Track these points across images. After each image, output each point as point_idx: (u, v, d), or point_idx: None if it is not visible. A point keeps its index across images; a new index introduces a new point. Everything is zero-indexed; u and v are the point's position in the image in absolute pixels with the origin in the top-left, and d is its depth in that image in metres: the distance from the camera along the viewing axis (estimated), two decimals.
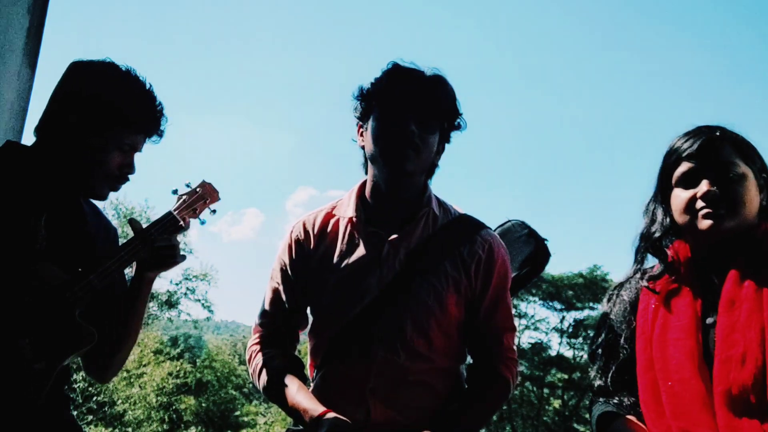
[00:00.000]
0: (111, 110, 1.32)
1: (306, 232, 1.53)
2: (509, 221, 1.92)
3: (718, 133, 1.22)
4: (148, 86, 1.39)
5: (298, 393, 1.38)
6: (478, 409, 1.40)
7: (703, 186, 1.18)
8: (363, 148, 1.49)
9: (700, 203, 1.19)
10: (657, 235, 1.28)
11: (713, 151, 1.20)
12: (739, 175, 1.19)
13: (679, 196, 1.23)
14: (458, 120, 1.49)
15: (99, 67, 1.36)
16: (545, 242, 1.87)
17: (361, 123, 1.49)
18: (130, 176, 1.39)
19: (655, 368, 1.18)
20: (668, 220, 1.28)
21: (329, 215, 1.54)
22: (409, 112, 1.38)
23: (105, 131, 1.32)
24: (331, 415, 1.29)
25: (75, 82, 1.35)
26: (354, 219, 1.48)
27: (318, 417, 1.29)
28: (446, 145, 1.52)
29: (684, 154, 1.23)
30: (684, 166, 1.23)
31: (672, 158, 1.25)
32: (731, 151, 1.20)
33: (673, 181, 1.25)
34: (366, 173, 1.52)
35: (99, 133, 1.31)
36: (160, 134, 1.44)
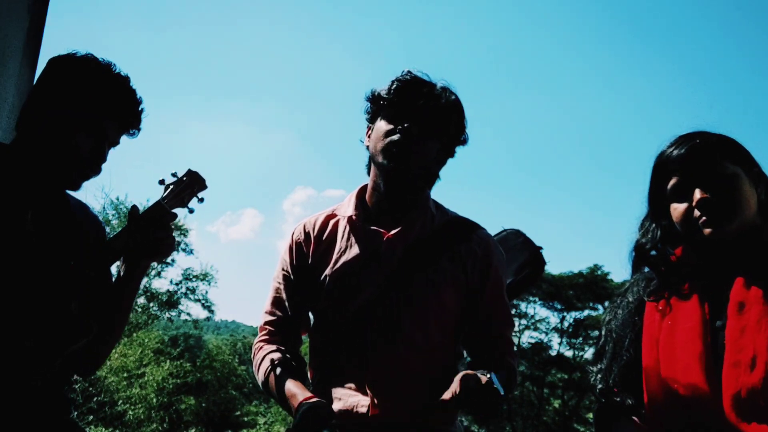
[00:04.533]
0: (83, 95, 1.32)
1: (306, 233, 1.57)
2: (505, 230, 1.96)
3: (698, 140, 1.21)
4: (125, 78, 1.38)
5: (288, 382, 1.40)
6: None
7: (696, 195, 1.18)
8: (368, 148, 1.54)
9: (696, 212, 1.18)
10: (648, 246, 1.29)
11: (698, 159, 1.20)
12: (730, 176, 1.18)
13: (677, 209, 1.23)
14: (462, 135, 1.54)
15: (75, 59, 1.36)
16: (540, 250, 1.90)
17: (370, 125, 1.55)
18: (101, 166, 1.37)
19: (661, 370, 1.17)
20: (659, 232, 1.28)
21: (330, 217, 1.58)
22: (412, 116, 1.43)
23: (77, 116, 1.31)
24: (312, 400, 1.30)
25: (51, 74, 1.36)
26: (353, 217, 1.51)
27: (299, 403, 1.31)
28: (449, 159, 1.56)
29: (671, 168, 1.23)
30: (673, 180, 1.23)
31: (660, 174, 1.26)
32: (716, 154, 1.20)
33: (668, 194, 1.25)
34: (369, 174, 1.56)
35: (71, 117, 1.31)
36: (137, 127, 1.43)
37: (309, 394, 1.34)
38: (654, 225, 1.30)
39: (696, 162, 1.20)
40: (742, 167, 1.20)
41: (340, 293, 1.45)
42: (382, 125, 1.47)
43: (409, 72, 1.50)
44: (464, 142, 1.56)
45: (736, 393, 1.06)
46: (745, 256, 1.17)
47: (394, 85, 1.48)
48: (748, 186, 1.19)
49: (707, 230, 1.17)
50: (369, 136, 1.54)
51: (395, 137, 1.42)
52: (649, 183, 1.30)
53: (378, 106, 1.51)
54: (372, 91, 1.53)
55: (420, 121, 1.43)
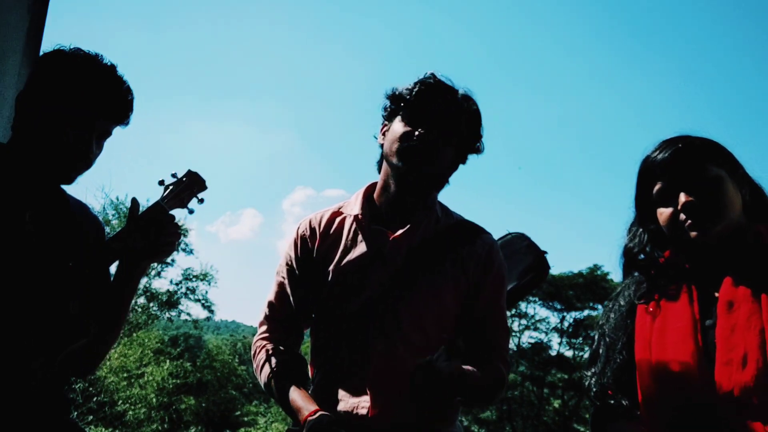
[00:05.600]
0: (71, 90, 1.31)
1: (312, 229, 1.58)
2: (510, 234, 1.96)
3: (681, 145, 1.23)
4: (111, 68, 1.37)
5: (293, 392, 1.41)
6: (479, 381, 1.36)
7: (681, 198, 1.19)
8: (382, 146, 1.53)
9: (682, 216, 1.20)
10: (636, 250, 1.30)
11: (682, 163, 1.21)
12: (713, 179, 1.19)
13: (663, 213, 1.24)
14: (478, 144, 1.54)
15: (63, 54, 1.36)
16: (545, 254, 1.90)
17: (386, 122, 1.54)
18: (92, 158, 1.37)
19: (654, 371, 1.18)
20: (646, 236, 1.30)
21: (336, 213, 1.59)
22: (431, 121, 1.43)
23: (67, 111, 1.31)
24: (317, 414, 1.31)
25: (41, 71, 1.36)
26: (359, 216, 1.52)
27: (305, 419, 1.33)
28: (460, 165, 1.56)
29: (655, 173, 1.24)
30: (659, 184, 1.24)
31: (646, 179, 1.27)
32: (699, 158, 1.21)
33: (654, 198, 1.26)
34: (379, 172, 1.56)
35: (62, 113, 1.30)
36: (128, 116, 1.42)
37: (313, 408, 1.34)
38: (641, 229, 1.31)
39: (680, 166, 1.21)
40: (725, 170, 1.21)
41: (342, 290, 1.46)
42: (399, 126, 1.47)
43: (432, 75, 1.49)
44: (479, 150, 1.56)
45: (729, 391, 1.07)
46: (732, 256, 1.18)
47: (417, 88, 1.47)
48: (732, 188, 1.20)
49: (693, 233, 1.19)
50: (384, 134, 1.54)
51: (412, 142, 1.42)
52: (635, 188, 1.31)
53: (397, 106, 1.50)
54: (393, 89, 1.53)
55: (438, 127, 1.44)
